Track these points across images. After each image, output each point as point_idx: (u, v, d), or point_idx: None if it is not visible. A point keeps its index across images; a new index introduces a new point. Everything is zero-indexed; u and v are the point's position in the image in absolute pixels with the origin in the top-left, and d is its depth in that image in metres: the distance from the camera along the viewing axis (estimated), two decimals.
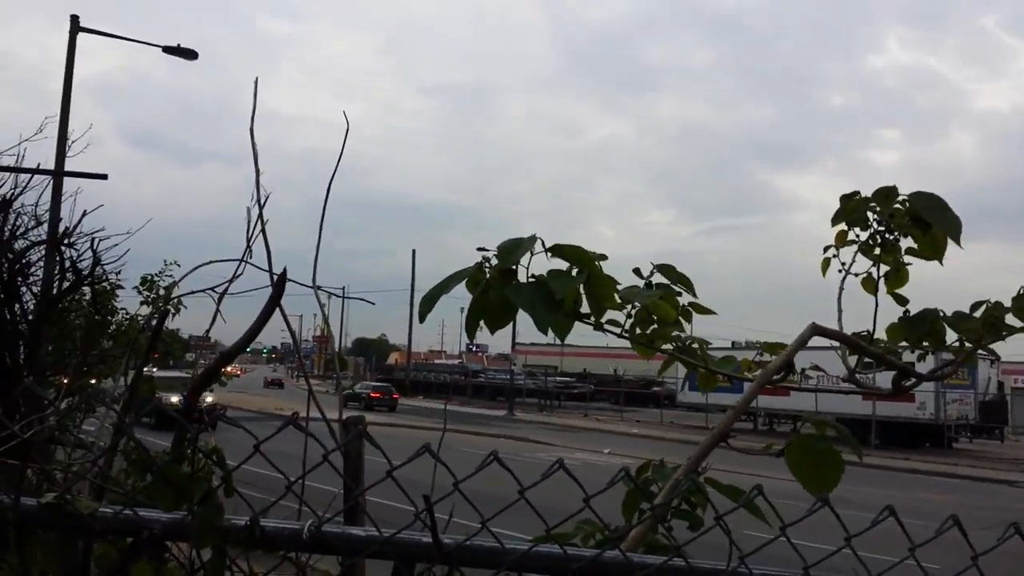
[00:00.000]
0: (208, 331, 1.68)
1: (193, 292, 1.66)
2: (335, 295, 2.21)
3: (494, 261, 1.79)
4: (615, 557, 1.36)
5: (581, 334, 2.02)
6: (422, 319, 1.61)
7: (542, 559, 1.36)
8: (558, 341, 1.88)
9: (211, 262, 1.81)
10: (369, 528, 1.38)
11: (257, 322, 1.54)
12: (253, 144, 1.69)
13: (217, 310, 1.65)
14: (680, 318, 2.20)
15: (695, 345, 2.35)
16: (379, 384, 54.21)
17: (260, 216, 1.60)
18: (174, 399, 18.10)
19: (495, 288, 1.80)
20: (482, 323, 1.84)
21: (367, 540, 1.36)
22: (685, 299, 2.17)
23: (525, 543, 1.37)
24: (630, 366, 53.68)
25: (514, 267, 1.78)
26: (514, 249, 1.76)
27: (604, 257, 1.94)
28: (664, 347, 2.23)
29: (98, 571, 1.43)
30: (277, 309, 1.63)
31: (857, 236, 2.25)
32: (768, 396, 32.88)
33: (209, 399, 21.19)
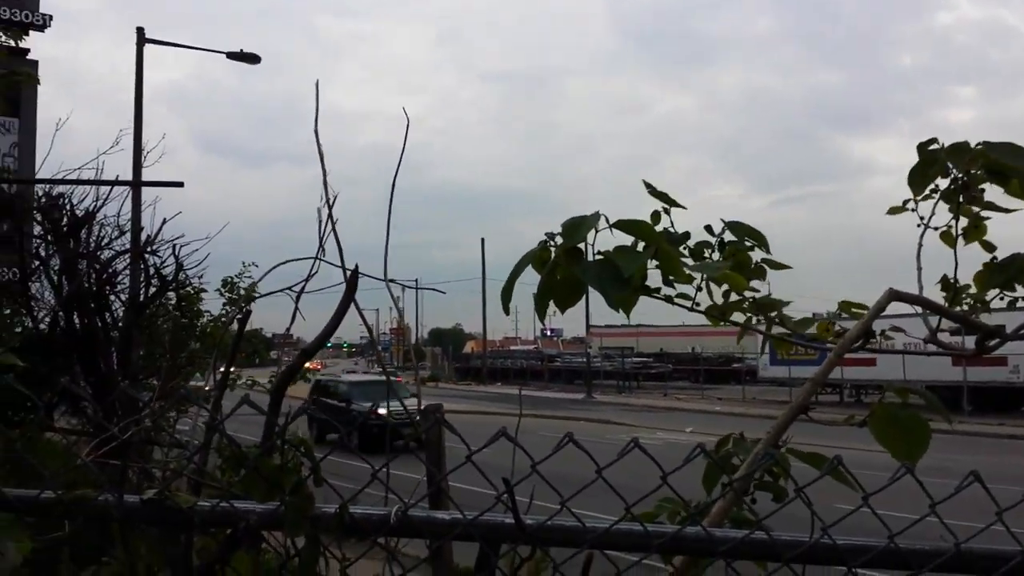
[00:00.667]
0: (288, 329, 1.74)
1: (272, 292, 1.72)
2: (407, 287, 2.25)
3: (559, 240, 1.80)
4: (696, 533, 1.37)
5: (656, 313, 2.03)
6: (507, 310, 1.64)
7: (623, 536, 1.38)
8: (633, 322, 1.89)
9: (287, 261, 1.87)
10: (453, 512, 1.42)
11: (334, 318, 1.59)
12: (319, 146, 1.73)
13: (296, 308, 1.71)
14: (753, 279, 2.17)
15: (772, 314, 2.32)
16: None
17: (330, 215, 1.64)
18: (381, 411, 17.52)
19: (562, 268, 1.80)
20: (552, 305, 1.86)
21: (451, 523, 1.40)
22: (758, 256, 2.14)
23: (605, 522, 1.39)
24: (709, 343, 53.00)
25: (579, 245, 1.78)
26: (578, 226, 1.75)
27: (685, 236, 1.94)
28: (737, 318, 2.21)
29: (199, 562, 1.51)
30: (352, 304, 1.68)
31: (936, 188, 2.19)
32: (853, 367, 32.08)
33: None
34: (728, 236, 2.08)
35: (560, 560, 1.47)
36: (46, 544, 1.66)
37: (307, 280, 1.67)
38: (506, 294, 1.64)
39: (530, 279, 1.83)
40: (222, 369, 1.72)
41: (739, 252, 2.06)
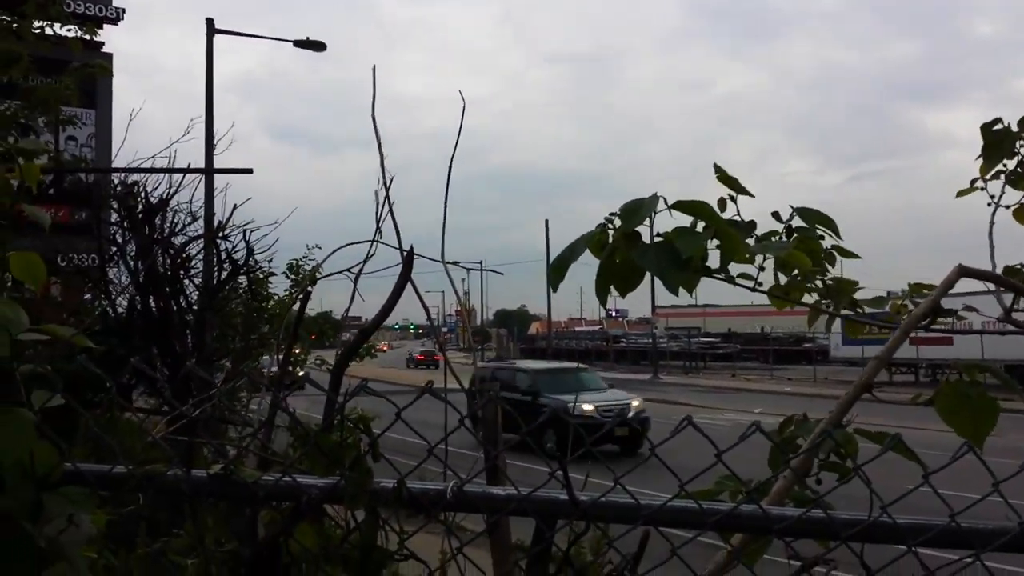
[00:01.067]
0: (347, 310, 1.79)
1: (331, 274, 1.76)
2: (470, 269, 2.28)
3: (617, 223, 1.79)
4: (751, 510, 1.36)
5: (724, 293, 2.01)
6: (554, 288, 1.64)
7: (677, 513, 1.38)
8: (700, 302, 1.87)
9: (347, 244, 1.91)
10: (508, 487, 1.44)
11: (391, 298, 1.62)
12: (376, 130, 1.76)
13: (355, 289, 1.75)
14: (824, 263, 2.14)
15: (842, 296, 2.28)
16: (424, 349, 67.29)
17: (387, 197, 1.67)
18: (587, 408, 16.90)
19: (620, 251, 1.79)
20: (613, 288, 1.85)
21: (507, 498, 1.42)
22: (828, 243, 2.10)
23: (661, 500, 1.39)
24: (778, 323, 52.07)
25: (638, 229, 1.77)
26: (636, 210, 1.73)
27: (751, 226, 1.91)
28: (802, 299, 2.18)
29: (264, 534, 1.56)
30: (410, 284, 1.71)
31: (1004, 167, 2.13)
32: (929, 347, 31.20)
33: (635, 403, 19.87)
34: (797, 222, 2.04)
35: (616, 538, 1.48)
36: (121, 517, 1.74)
37: (364, 262, 1.71)
38: (555, 272, 1.64)
39: (594, 259, 1.82)
40: (284, 348, 1.77)
41: (808, 239, 2.02)
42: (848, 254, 2.09)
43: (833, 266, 2.09)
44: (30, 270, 1.44)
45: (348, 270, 1.72)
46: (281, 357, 1.76)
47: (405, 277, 1.62)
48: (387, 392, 1.58)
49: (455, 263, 1.96)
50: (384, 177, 1.72)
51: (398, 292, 1.63)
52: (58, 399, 1.54)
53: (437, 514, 1.43)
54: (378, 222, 1.68)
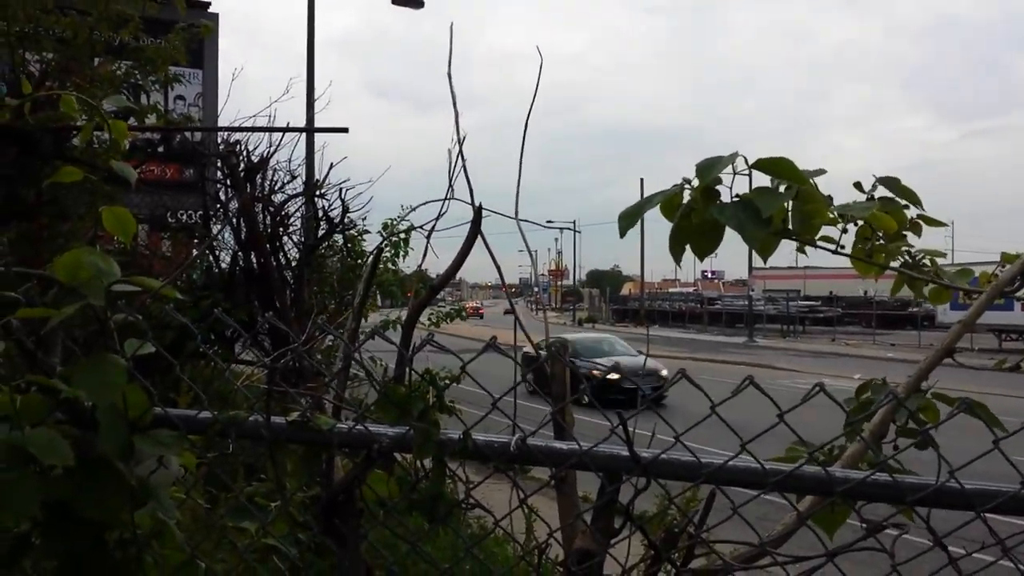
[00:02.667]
0: (420, 265, 1.83)
1: (404, 231, 1.80)
2: (540, 226, 2.29)
3: (696, 182, 1.76)
4: (814, 472, 1.35)
5: (825, 255, 1.96)
6: (622, 234, 1.63)
7: (739, 473, 1.38)
8: (800, 264, 1.84)
9: (423, 204, 1.95)
10: (571, 442, 1.47)
11: (460, 254, 1.65)
12: (451, 87, 1.78)
13: (427, 246, 1.79)
14: (909, 232, 2.08)
15: (926, 260, 2.21)
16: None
17: (460, 154, 1.69)
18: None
19: (697, 210, 1.77)
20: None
21: (568, 452, 1.45)
22: (913, 212, 2.04)
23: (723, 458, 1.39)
24: (883, 286, 50.28)
25: (716, 188, 1.74)
26: (714, 165, 1.71)
27: (822, 172, 1.85)
28: (886, 261, 2.12)
29: (340, 480, 1.63)
30: (482, 241, 1.74)
31: None
32: None
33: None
34: (880, 192, 1.98)
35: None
36: (216, 461, 1.84)
37: (437, 219, 1.74)
38: (625, 219, 1.63)
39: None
40: (360, 302, 1.83)
41: (892, 210, 1.96)
42: (934, 222, 2.02)
43: (919, 235, 2.03)
44: (120, 224, 1.52)
45: (421, 227, 1.76)
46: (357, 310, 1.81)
47: (474, 233, 1.65)
48: (468, 349, 1.61)
49: (529, 221, 1.96)
50: (458, 134, 1.74)
51: (467, 249, 1.65)
52: (148, 347, 1.63)
53: (502, 466, 1.47)
54: (451, 180, 1.70)
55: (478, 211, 1.65)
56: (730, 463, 1.38)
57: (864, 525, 1.47)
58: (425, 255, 1.79)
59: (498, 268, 1.75)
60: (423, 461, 1.50)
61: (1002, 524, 1.25)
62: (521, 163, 1.92)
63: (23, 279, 1.60)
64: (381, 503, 1.63)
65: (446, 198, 1.73)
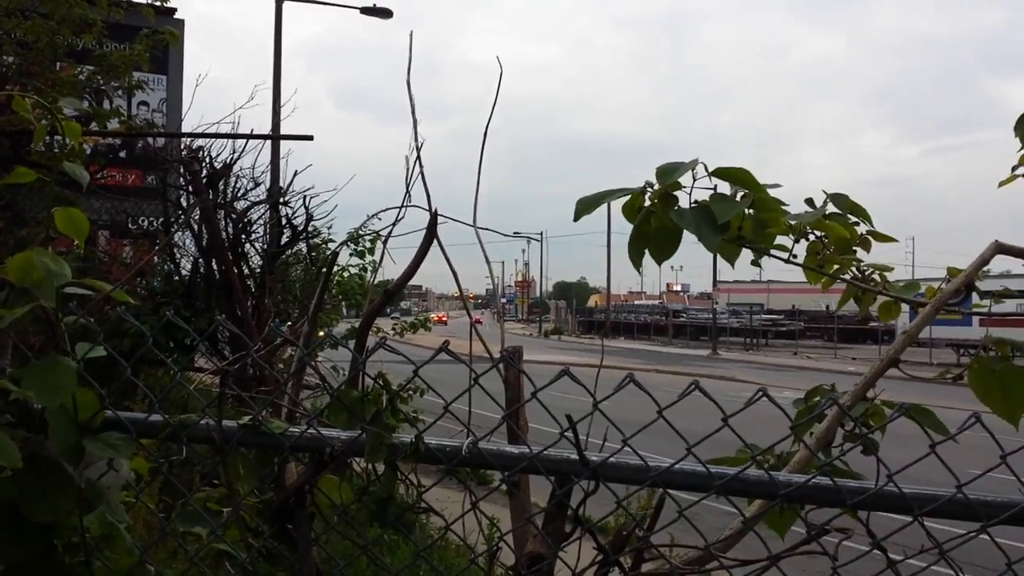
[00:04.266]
0: (375, 271, 1.83)
1: (366, 233, 1.80)
2: (502, 235, 2.31)
3: (657, 186, 1.78)
4: (758, 475, 1.38)
5: (789, 270, 1.99)
6: (576, 218, 1.65)
7: (685, 476, 1.40)
8: (763, 278, 1.87)
9: (382, 211, 1.96)
10: (521, 446, 1.48)
11: (415, 259, 1.67)
12: (410, 95, 1.80)
13: (384, 250, 1.80)
14: (857, 247, 2.12)
15: (874, 274, 2.26)
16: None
17: (418, 159, 1.71)
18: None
19: (657, 214, 1.79)
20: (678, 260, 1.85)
21: (518, 456, 1.46)
22: (863, 228, 2.09)
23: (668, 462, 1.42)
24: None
25: (676, 194, 1.76)
26: (673, 170, 1.73)
27: (777, 185, 1.89)
28: (836, 273, 2.16)
29: (291, 484, 1.63)
30: (439, 248, 1.75)
31: None
32: (1004, 328, 30.27)
33: None
34: (831, 208, 2.03)
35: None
36: (159, 464, 1.83)
37: (393, 225, 1.76)
38: (583, 205, 1.64)
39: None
40: (314, 308, 1.83)
41: (844, 224, 2.01)
42: (884, 238, 2.07)
43: (868, 251, 2.08)
44: (73, 225, 1.52)
45: (378, 232, 1.77)
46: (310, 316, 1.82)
47: (429, 239, 1.66)
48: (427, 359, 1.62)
49: (487, 229, 1.98)
50: (416, 141, 1.75)
51: (422, 254, 1.67)
52: (99, 350, 1.62)
53: (454, 469, 1.48)
54: (408, 186, 1.72)
55: (433, 217, 1.66)
56: (676, 466, 1.40)
57: (807, 529, 1.50)
58: (381, 260, 1.81)
59: (454, 274, 1.77)
60: (376, 466, 1.51)
61: (940, 530, 1.29)
62: (480, 171, 1.94)
63: None
64: (335, 508, 1.64)
65: (402, 205, 1.74)
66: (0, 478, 1.54)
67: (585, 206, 1.72)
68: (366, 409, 1.47)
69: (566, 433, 1.41)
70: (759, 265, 1.96)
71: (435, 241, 1.75)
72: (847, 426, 1.85)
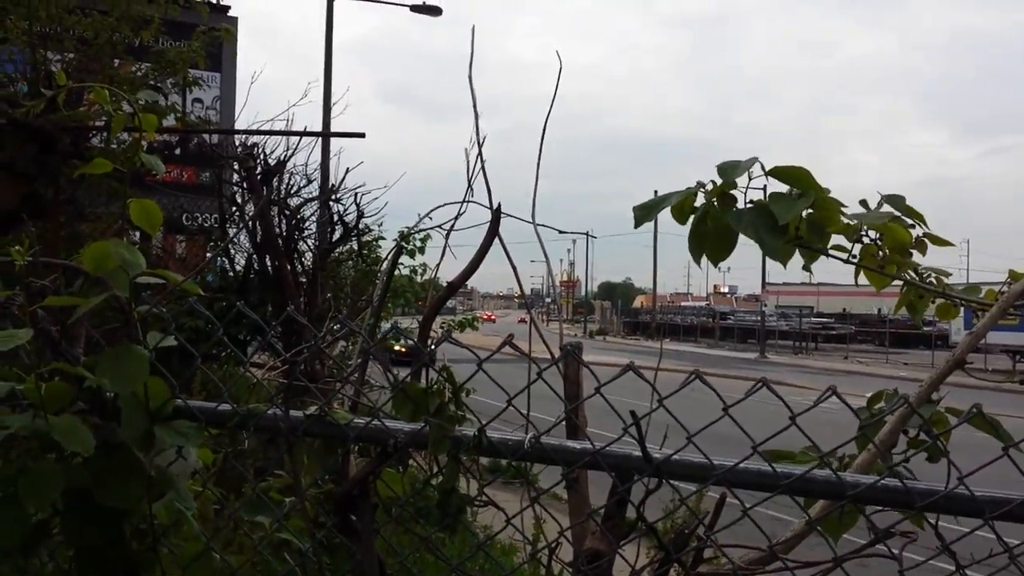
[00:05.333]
0: (437, 266, 1.85)
1: (423, 229, 1.82)
2: (557, 231, 2.31)
3: (710, 186, 1.76)
4: (826, 475, 1.36)
5: (840, 273, 1.97)
6: (636, 225, 1.65)
7: (750, 475, 1.39)
8: (814, 280, 1.84)
9: (442, 205, 1.97)
10: (584, 441, 1.49)
11: (478, 254, 1.68)
12: (472, 93, 1.81)
13: (445, 245, 1.81)
14: (914, 250, 2.09)
15: (932, 278, 2.22)
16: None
17: (479, 156, 1.72)
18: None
19: (712, 214, 1.77)
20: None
21: (581, 451, 1.47)
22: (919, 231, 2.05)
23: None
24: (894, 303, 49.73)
25: (732, 193, 1.75)
26: (735, 167, 1.71)
27: (827, 191, 1.86)
28: (899, 274, 2.13)
29: (355, 475, 1.65)
30: (500, 245, 1.76)
31: None
32: None
33: None
34: (886, 209, 1.99)
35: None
36: (225, 453, 1.87)
37: (455, 219, 1.77)
38: (642, 211, 1.64)
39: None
40: (378, 302, 1.86)
41: (894, 229, 1.97)
42: (941, 242, 2.03)
43: (924, 254, 2.04)
44: (147, 217, 1.55)
45: (439, 226, 1.78)
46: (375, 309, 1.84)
47: (492, 234, 1.67)
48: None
49: (546, 226, 1.99)
50: (478, 136, 1.77)
51: (485, 248, 1.68)
52: (171, 340, 1.66)
53: (516, 462, 1.49)
54: (470, 182, 1.73)
55: (497, 211, 1.67)
56: (741, 465, 1.39)
57: (871, 531, 1.48)
58: (444, 255, 1.82)
59: (514, 269, 1.78)
60: (437, 457, 1.52)
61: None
62: (538, 168, 1.95)
63: (48, 270, 1.63)
64: (393, 501, 1.66)
65: (464, 200, 1.75)
66: (73, 464, 1.59)
67: (644, 212, 1.72)
68: (430, 402, 1.49)
69: (629, 429, 1.41)
70: (809, 270, 1.93)
71: (491, 234, 1.76)
72: (910, 432, 1.83)
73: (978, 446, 1.47)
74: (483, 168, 1.70)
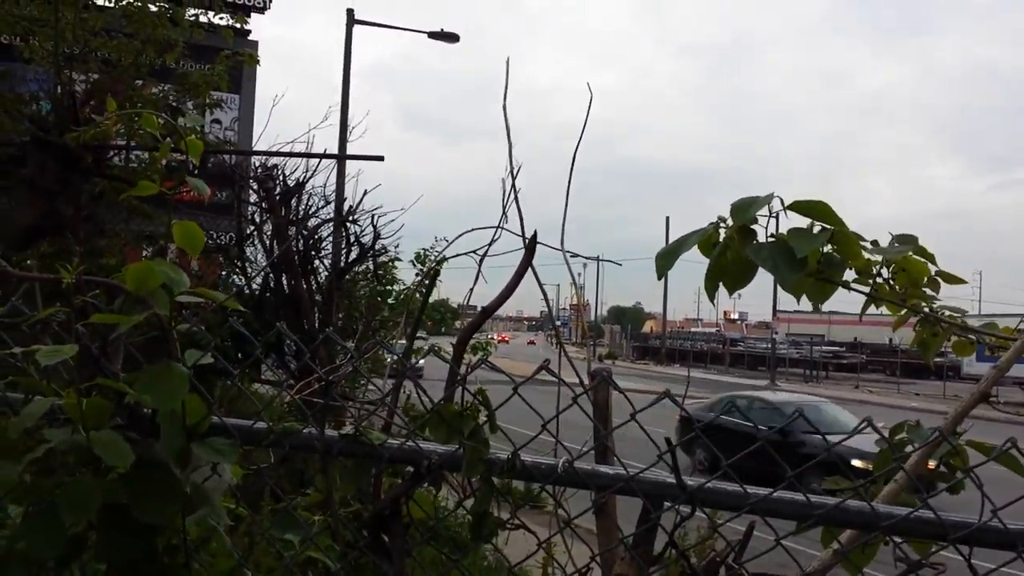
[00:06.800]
0: (471, 291, 1.88)
1: (457, 255, 1.85)
2: (587, 260, 2.33)
3: (731, 221, 1.79)
4: (859, 506, 1.37)
5: (850, 302, 1.98)
6: (660, 275, 1.67)
7: (784, 504, 1.41)
8: (825, 309, 1.85)
9: (472, 230, 2.00)
10: (617, 467, 1.50)
11: (513, 279, 1.70)
12: (506, 120, 1.84)
13: (479, 271, 1.84)
14: (927, 288, 2.10)
15: (947, 315, 2.23)
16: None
17: (513, 185, 1.75)
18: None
19: (732, 248, 1.79)
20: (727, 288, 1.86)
21: (614, 477, 1.48)
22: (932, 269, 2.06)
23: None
24: (909, 335, 49.49)
25: (752, 227, 1.77)
26: (749, 206, 1.73)
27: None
28: (920, 308, 2.14)
29: (387, 495, 1.67)
30: (531, 271, 1.78)
31: None
32: None
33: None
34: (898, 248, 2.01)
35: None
36: (254, 474, 1.89)
37: (489, 245, 1.80)
38: (663, 258, 1.66)
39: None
40: (413, 324, 1.88)
41: (913, 264, 1.99)
42: (954, 280, 2.04)
43: (937, 291, 2.05)
44: (190, 238, 1.59)
45: (474, 251, 1.81)
46: (408, 332, 1.87)
47: (527, 261, 1.70)
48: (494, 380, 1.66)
49: (574, 254, 2.01)
50: (511, 164, 1.80)
51: (520, 274, 1.70)
52: (208, 358, 1.69)
53: (548, 486, 1.50)
54: (504, 208, 1.76)
55: (532, 240, 1.70)
56: (775, 494, 1.40)
57: (898, 562, 1.49)
58: (476, 281, 1.85)
59: (545, 296, 1.80)
60: (471, 480, 1.54)
61: None
62: (568, 198, 1.98)
63: (89, 287, 1.66)
64: (424, 522, 1.67)
65: (499, 226, 1.78)
66: (109, 479, 1.61)
67: (666, 260, 1.74)
68: (465, 424, 1.51)
69: (664, 456, 1.43)
70: (819, 310, 1.95)
71: (526, 261, 1.79)
72: (932, 464, 1.83)
73: (1000, 479, 1.48)
74: (516, 198, 1.73)
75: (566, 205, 1.97)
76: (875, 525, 1.36)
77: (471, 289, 1.84)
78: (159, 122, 1.66)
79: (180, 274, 1.54)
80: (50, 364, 1.45)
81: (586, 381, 1.68)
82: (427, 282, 2.99)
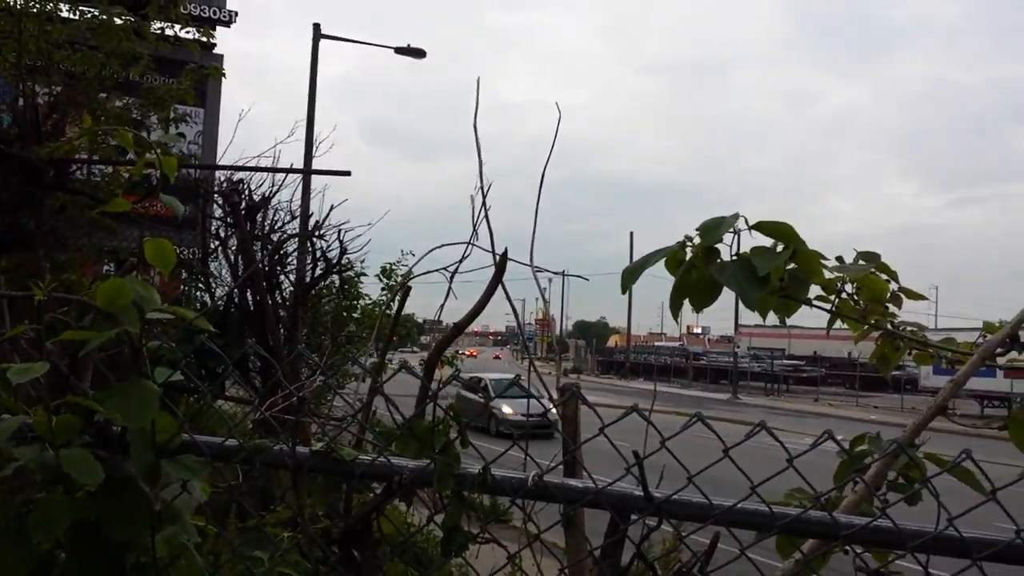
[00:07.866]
0: (442, 307, 1.90)
1: (428, 272, 1.88)
2: (553, 274, 2.37)
3: (696, 242, 1.83)
4: (820, 516, 1.42)
5: (811, 316, 2.03)
6: (624, 290, 1.71)
7: (748, 515, 1.44)
8: (784, 322, 1.90)
9: (442, 246, 2.03)
10: (586, 480, 1.53)
11: (484, 296, 1.73)
12: (476, 139, 1.88)
13: (449, 288, 1.87)
14: (890, 303, 2.16)
15: (908, 329, 2.29)
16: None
17: (484, 203, 1.78)
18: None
19: (698, 267, 1.84)
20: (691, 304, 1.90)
21: (583, 490, 1.51)
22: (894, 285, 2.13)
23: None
24: (867, 348, 50.19)
25: (717, 246, 1.81)
26: (716, 227, 1.78)
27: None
28: (881, 324, 2.20)
29: (358, 511, 1.68)
30: (501, 287, 1.81)
31: None
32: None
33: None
34: (861, 264, 2.07)
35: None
36: (222, 491, 1.89)
37: (460, 262, 1.82)
38: (628, 275, 1.70)
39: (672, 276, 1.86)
40: (382, 344, 1.90)
41: (874, 281, 2.05)
42: (915, 296, 2.10)
43: (900, 307, 2.11)
44: (162, 255, 1.59)
45: (445, 268, 1.84)
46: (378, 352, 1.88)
47: (498, 278, 1.73)
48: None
49: (541, 269, 2.05)
50: (482, 182, 1.83)
51: (491, 291, 1.73)
52: (178, 375, 1.69)
53: (518, 500, 1.53)
54: (474, 224, 1.79)
55: (503, 257, 1.73)
56: (739, 505, 1.44)
57: (857, 570, 1.53)
58: (447, 297, 1.87)
59: (515, 312, 1.83)
60: (442, 494, 1.56)
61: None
62: (536, 214, 2.01)
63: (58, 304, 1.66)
64: (395, 537, 1.69)
65: (469, 242, 1.81)
66: (78, 497, 1.61)
67: (630, 276, 1.78)
68: (436, 440, 1.53)
69: (632, 469, 1.46)
70: (783, 323, 2.00)
71: (496, 279, 1.82)
72: (890, 475, 1.88)
73: (959, 488, 1.53)
74: (487, 215, 1.76)
75: (535, 223, 2.01)
76: (835, 535, 1.40)
77: (442, 305, 1.87)
78: (131, 137, 1.67)
79: (151, 291, 1.54)
80: (21, 382, 1.45)
81: (555, 396, 1.71)
82: (397, 299, 3.00)
